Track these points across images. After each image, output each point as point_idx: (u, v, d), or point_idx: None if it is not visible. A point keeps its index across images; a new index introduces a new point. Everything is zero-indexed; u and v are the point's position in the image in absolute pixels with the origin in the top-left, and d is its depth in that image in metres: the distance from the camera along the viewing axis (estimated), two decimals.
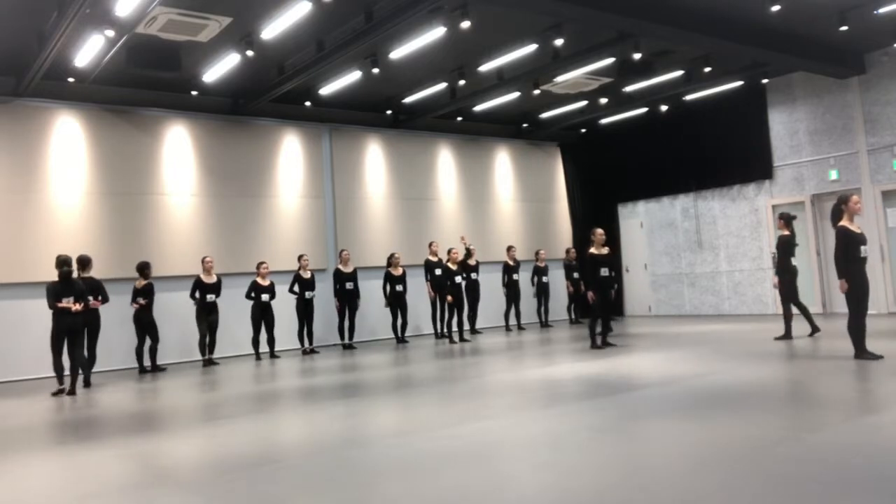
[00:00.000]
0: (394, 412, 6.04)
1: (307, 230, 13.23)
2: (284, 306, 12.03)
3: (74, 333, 8.44)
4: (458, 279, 12.46)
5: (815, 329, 9.41)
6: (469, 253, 13.08)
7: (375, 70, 10.83)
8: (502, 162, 16.12)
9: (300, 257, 12.07)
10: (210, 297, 10.94)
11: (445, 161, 15.21)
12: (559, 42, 10.27)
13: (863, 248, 6.99)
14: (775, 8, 9.55)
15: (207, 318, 10.92)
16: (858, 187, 12.59)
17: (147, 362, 10.44)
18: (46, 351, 8.50)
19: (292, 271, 12.09)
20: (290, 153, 13.24)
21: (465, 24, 8.99)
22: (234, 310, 11.79)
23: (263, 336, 11.51)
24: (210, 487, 3.94)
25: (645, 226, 16.38)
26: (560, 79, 12.59)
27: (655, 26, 9.85)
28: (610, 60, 11.63)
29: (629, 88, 13.71)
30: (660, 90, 13.62)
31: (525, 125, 16.16)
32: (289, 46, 10.27)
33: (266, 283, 11.53)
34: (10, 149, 10.65)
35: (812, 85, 13.34)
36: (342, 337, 12.40)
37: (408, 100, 13.36)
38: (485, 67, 11.61)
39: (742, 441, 4.18)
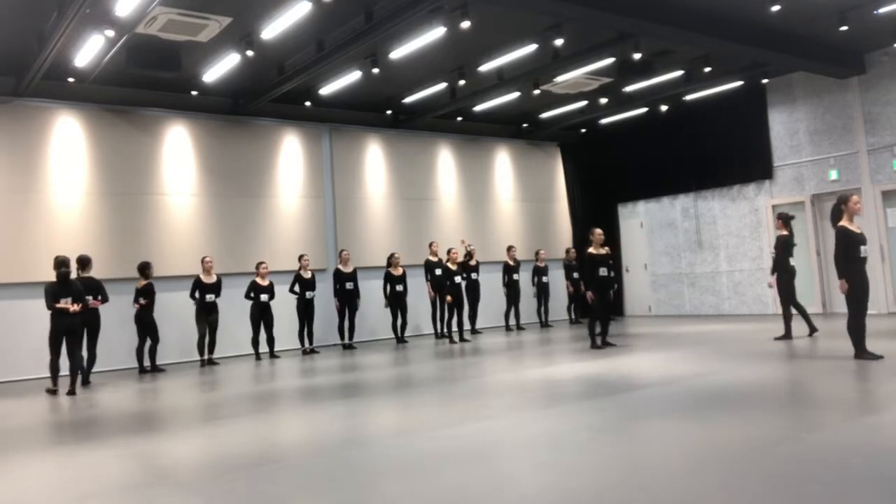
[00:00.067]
0: (394, 412, 6.04)
1: (307, 230, 13.23)
2: (284, 306, 12.03)
3: (73, 334, 8.44)
4: (458, 279, 12.47)
5: (812, 329, 9.42)
6: (469, 255, 13.12)
7: (375, 70, 10.83)
8: (502, 162, 16.12)
9: (301, 257, 12.07)
10: (210, 297, 10.94)
11: (445, 161, 15.21)
12: (559, 42, 10.27)
13: (863, 248, 6.99)
14: (775, 8, 9.55)
15: (207, 318, 10.92)
16: (858, 187, 12.59)
17: (147, 362, 10.44)
18: (46, 351, 8.50)
19: (292, 271, 12.10)
20: (290, 153, 13.24)
21: (465, 24, 8.99)
22: (234, 310, 11.79)
23: (263, 336, 11.52)
24: (210, 487, 3.94)
25: (645, 226, 16.38)
26: (560, 79, 12.58)
27: (655, 26, 9.85)
28: (610, 60, 11.63)
29: (629, 88, 13.71)
30: (660, 90, 13.62)
31: (525, 125, 16.16)
32: (289, 46, 10.27)
33: (265, 283, 11.52)
34: (10, 149, 10.65)
35: (812, 85, 13.34)
36: (342, 337, 12.40)
37: (408, 100, 13.36)
38: (485, 67, 11.61)
39: (742, 441, 4.18)
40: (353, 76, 11.40)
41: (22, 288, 10.42)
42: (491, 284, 14.38)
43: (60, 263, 8.46)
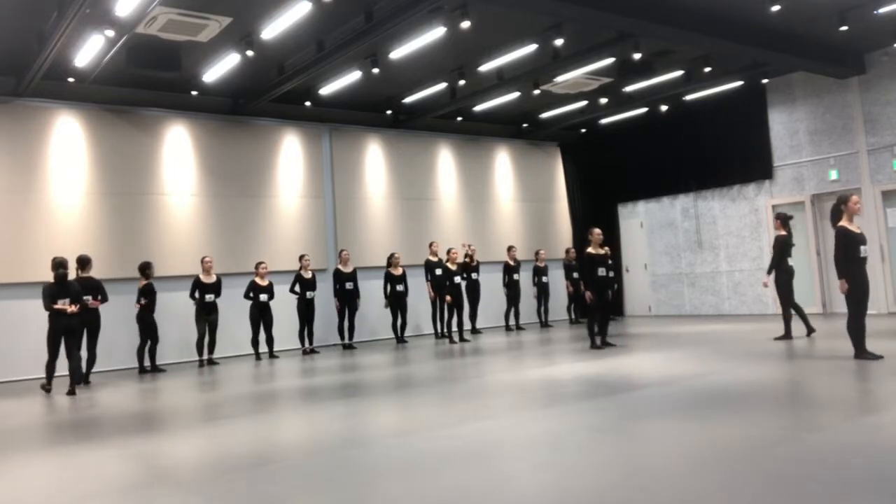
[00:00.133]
0: (394, 412, 6.04)
1: (307, 230, 13.23)
2: (284, 306, 12.03)
3: (71, 334, 8.45)
4: (458, 279, 12.48)
5: (810, 330, 9.42)
6: (469, 257, 13.15)
7: (375, 70, 10.83)
8: (502, 162, 16.12)
9: (301, 257, 12.07)
10: (209, 297, 10.94)
11: (445, 161, 15.21)
12: (559, 42, 10.27)
13: (862, 248, 6.99)
14: (775, 8, 9.55)
15: (207, 318, 10.92)
16: (858, 187, 12.60)
17: (147, 362, 10.44)
18: (45, 351, 8.50)
19: (292, 271, 12.10)
20: (290, 153, 13.24)
21: (465, 24, 8.99)
22: (234, 310, 11.79)
23: (262, 336, 11.52)
24: (210, 487, 3.94)
25: (645, 226, 16.38)
26: (560, 79, 12.58)
27: (655, 26, 9.86)
28: (610, 60, 11.63)
29: (629, 88, 13.71)
30: (660, 90, 13.62)
31: (525, 125, 16.16)
32: (289, 46, 10.27)
33: (264, 283, 11.52)
34: (10, 149, 10.65)
35: (812, 85, 13.34)
36: (342, 337, 12.40)
37: (408, 100, 13.36)
38: (485, 67, 11.61)
39: (742, 441, 4.18)
40: (353, 76, 11.40)
41: (22, 288, 10.42)
42: (491, 284, 14.38)
43: (58, 265, 8.46)
